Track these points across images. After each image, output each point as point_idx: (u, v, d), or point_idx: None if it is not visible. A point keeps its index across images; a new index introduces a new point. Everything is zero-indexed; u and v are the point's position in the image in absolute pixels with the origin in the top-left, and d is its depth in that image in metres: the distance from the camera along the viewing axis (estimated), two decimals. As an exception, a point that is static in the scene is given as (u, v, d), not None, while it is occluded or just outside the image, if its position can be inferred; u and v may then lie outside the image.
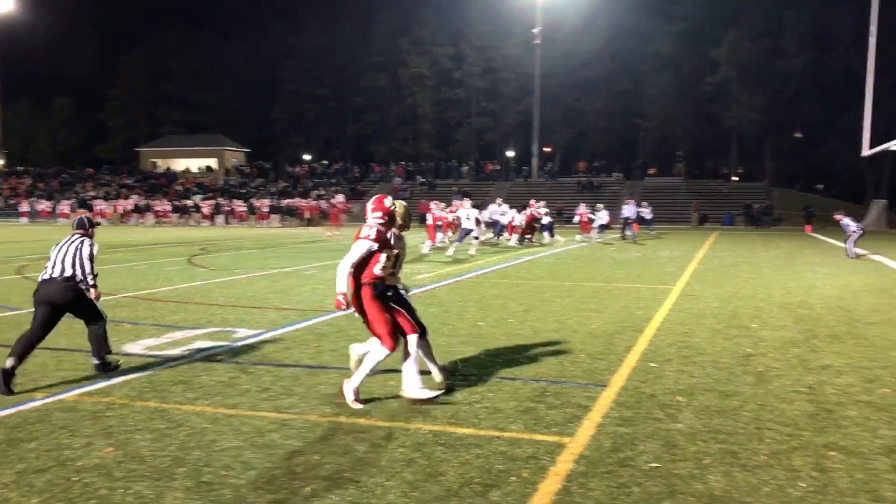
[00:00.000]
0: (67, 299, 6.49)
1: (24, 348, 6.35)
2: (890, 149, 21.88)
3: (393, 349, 5.91)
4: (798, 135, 61.04)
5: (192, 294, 12.54)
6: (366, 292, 5.99)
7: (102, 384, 6.46)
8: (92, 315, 6.76)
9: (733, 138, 62.80)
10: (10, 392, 6.11)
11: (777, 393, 6.24)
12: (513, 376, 6.79)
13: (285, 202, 51.74)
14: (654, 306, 11.16)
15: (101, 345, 6.76)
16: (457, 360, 7.38)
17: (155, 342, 8.34)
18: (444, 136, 70.19)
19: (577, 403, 5.91)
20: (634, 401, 5.99)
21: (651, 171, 62.44)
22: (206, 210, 50.75)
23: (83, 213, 7.96)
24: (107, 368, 6.80)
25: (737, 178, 63.00)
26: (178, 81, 74.00)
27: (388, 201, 6.23)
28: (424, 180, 60.10)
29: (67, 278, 6.48)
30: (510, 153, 67.48)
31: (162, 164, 68.65)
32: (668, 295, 12.50)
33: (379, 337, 5.96)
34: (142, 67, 75.15)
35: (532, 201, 28.12)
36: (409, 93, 67.74)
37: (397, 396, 6.07)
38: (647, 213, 32.62)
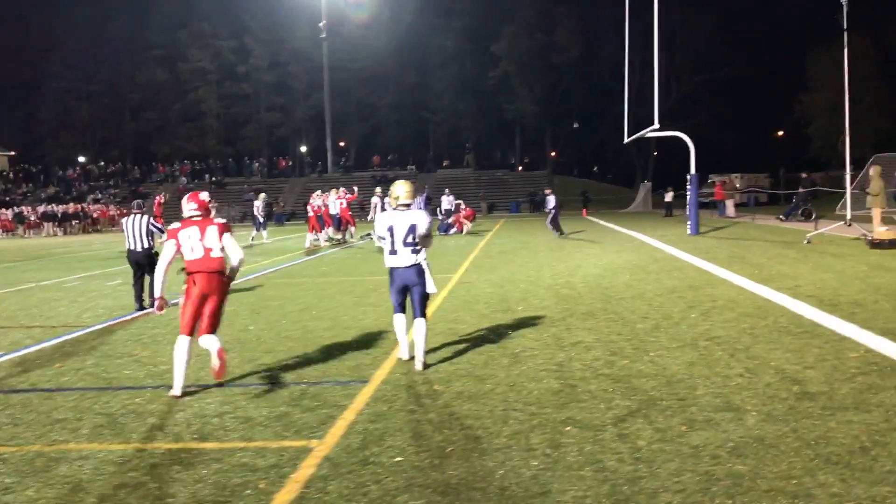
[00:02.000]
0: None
1: None
2: (645, 135, 23.83)
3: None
4: (576, 125, 65.14)
5: (-77, 318, 11.08)
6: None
7: None
8: None
9: (517, 129, 65.90)
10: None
11: (528, 373, 6.48)
12: (273, 381, 6.55)
13: (60, 208, 47.65)
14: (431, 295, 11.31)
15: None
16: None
17: None
18: (232, 133, 67.78)
19: (334, 403, 5.79)
20: (392, 395, 5.97)
21: (446, 163, 64.14)
22: (-38, 221, 45.63)
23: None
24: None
25: (522, 168, 66.28)
26: (-79, 79, 65.66)
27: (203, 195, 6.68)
28: (214, 179, 57.84)
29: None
30: (303, 148, 66.56)
31: None
32: (445, 284, 12.75)
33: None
34: None
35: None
36: (192, 88, 64.69)
37: (142, 414, 5.66)
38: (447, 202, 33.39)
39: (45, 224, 45.25)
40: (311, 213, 23.69)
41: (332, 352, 7.65)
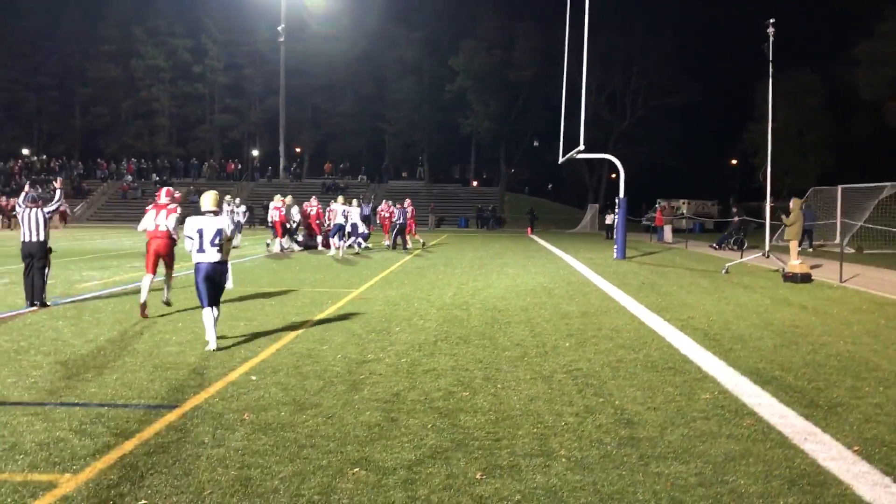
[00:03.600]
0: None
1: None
2: (574, 156, 23.66)
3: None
4: (536, 144, 65.07)
5: None
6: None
7: None
8: None
9: (472, 144, 65.78)
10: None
11: (357, 403, 6.01)
12: (78, 400, 5.99)
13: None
14: (315, 311, 10.85)
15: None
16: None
17: None
18: (184, 133, 66.70)
19: (123, 429, 5.26)
20: (192, 423, 5.44)
21: (404, 174, 63.77)
22: None
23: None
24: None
25: (477, 183, 66.11)
26: None
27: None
28: (159, 178, 56.65)
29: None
30: (255, 152, 65.65)
31: None
32: (340, 299, 12.27)
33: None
34: None
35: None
36: (144, 85, 63.51)
37: None
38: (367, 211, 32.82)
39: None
40: (276, 219, 22.99)
41: (166, 369, 7.10)
